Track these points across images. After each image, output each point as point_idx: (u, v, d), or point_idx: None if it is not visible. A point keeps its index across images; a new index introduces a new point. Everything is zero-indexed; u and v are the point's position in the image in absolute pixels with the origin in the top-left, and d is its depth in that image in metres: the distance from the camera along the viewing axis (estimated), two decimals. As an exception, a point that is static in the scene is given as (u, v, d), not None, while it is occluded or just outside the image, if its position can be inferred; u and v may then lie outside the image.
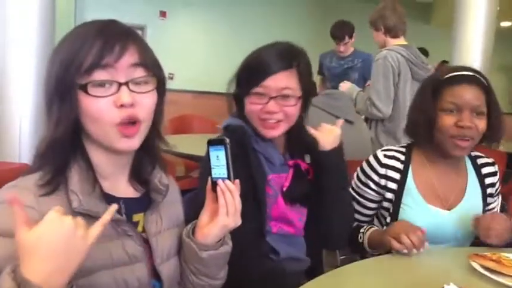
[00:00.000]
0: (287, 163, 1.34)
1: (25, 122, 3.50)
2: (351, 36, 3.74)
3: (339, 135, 1.33)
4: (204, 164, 1.16)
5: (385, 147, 1.53)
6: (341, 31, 3.74)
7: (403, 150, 1.49)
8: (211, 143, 0.95)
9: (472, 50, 3.97)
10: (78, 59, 0.81)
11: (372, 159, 1.49)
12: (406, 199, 1.43)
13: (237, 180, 0.94)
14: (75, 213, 0.79)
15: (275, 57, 1.25)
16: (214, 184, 0.94)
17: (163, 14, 7.22)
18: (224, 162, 0.93)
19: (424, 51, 5.86)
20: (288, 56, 1.26)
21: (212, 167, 0.95)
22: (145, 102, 0.86)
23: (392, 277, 1.14)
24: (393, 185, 1.44)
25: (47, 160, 0.85)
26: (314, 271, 1.31)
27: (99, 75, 0.82)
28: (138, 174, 0.97)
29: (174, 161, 1.00)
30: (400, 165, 1.45)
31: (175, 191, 1.06)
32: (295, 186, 1.32)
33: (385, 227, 1.43)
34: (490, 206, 1.52)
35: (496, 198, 1.53)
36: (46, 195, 0.81)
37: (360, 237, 1.41)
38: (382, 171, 1.46)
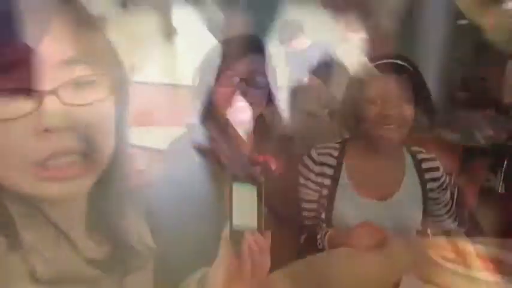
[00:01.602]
0: (255, 161, 1.32)
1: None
2: None
3: None
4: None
5: (318, 145, 1.52)
6: None
7: (337, 146, 1.50)
8: (236, 179, 0.71)
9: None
10: None
11: (306, 159, 1.48)
12: (338, 194, 1.43)
13: (268, 232, 0.71)
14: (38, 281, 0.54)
15: (246, 41, 1.31)
16: (235, 233, 0.70)
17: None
18: (254, 206, 0.68)
19: None
20: (256, 41, 1.33)
21: (234, 210, 0.70)
22: (92, 117, 0.54)
23: (352, 269, 1.14)
24: (328, 181, 1.45)
25: None
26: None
27: (1, 82, 0.48)
28: (102, 222, 0.65)
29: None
30: (333, 161, 1.46)
31: None
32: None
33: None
34: (438, 201, 1.51)
35: (443, 192, 1.51)
36: None
37: (319, 244, 1.38)
38: (317, 169, 1.46)
